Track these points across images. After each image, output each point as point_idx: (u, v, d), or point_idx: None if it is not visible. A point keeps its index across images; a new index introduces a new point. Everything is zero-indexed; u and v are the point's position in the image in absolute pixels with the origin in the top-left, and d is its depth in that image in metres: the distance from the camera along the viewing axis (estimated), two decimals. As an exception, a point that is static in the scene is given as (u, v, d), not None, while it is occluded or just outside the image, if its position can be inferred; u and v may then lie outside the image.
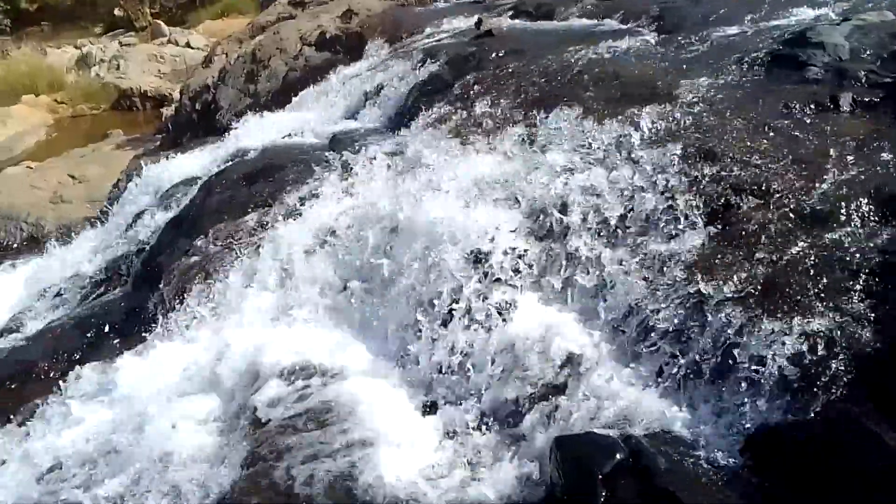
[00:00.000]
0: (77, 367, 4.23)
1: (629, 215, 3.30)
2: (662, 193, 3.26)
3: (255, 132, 6.20)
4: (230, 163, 5.64)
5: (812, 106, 3.57)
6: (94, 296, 5.19)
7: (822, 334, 2.41)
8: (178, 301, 4.34)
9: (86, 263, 5.62)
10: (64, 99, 15.74)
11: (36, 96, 15.54)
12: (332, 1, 9.78)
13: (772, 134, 3.38)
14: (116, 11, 22.44)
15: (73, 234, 6.60)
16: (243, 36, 10.72)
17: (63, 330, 4.75)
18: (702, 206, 3.12)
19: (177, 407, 3.49)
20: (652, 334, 2.84)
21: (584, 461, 2.37)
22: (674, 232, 3.12)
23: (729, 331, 2.60)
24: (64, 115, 15.18)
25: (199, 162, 6.23)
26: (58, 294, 5.41)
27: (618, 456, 2.33)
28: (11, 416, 4.06)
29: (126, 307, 4.74)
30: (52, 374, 4.32)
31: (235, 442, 3.20)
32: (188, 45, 17.86)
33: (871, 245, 2.64)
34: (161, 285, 4.55)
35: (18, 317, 5.28)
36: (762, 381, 2.42)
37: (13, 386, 4.32)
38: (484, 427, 3.02)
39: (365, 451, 2.97)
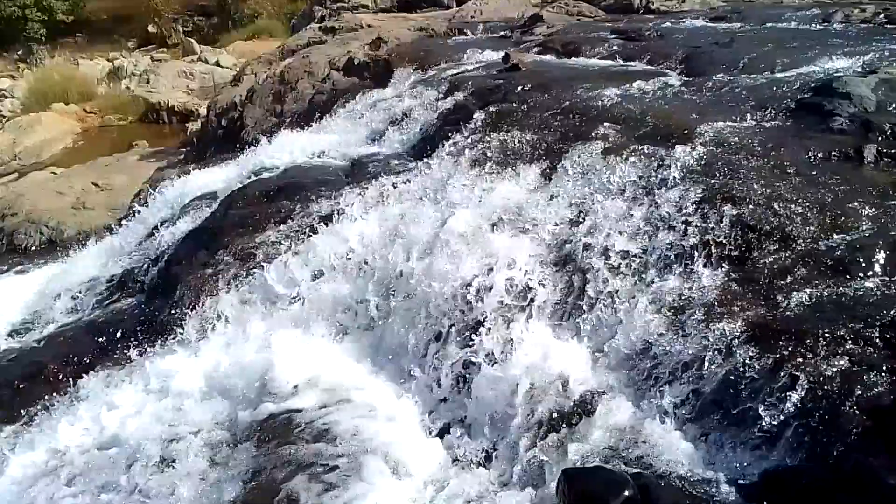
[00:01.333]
0: (88, 371, 4.26)
1: (648, 253, 3.29)
2: (682, 233, 3.26)
3: (279, 151, 6.27)
4: (252, 179, 5.70)
5: (836, 155, 3.57)
6: (108, 302, 5.22)
7: (837, 382, 2.38)
8: (192, 311, 4.37)
9: (103, 270, 5.67)
10: (93, 109, 16.05)
11: (66, 105, 15.85)
12: (363, 29, 9.96)
13: (795, 180, 3.38)
14: (150, 28, 22.96)
15: (92, 240, 6.66)
16: (273, 58, 10.91)
17: (76, 334, 4.78)
18: (721, 247, 3.12)
19: (184, 415, 3.49)
20: (665, 372, 2.82)
21: (592, 496, 2.34)
22: (692, 272, 3.11)
23: (743, 373, 2.58)
24: (92, 125, 15.46)
25: (221, 177, 6.30)
26: (72, 299, 5.45)
27: (626, 493, 2.30)
28: (18, 416, 4.08)
29: (140, 315, 4.77)
30: (61, 377, 4.34)
31: (240, 454, 3.20)
32: (218, 63, 18.21)
33: (890, 295, 2.62)
34: (177, 295, 4.58)
35: (33, 319, 5.32)
36: (775, 424, 2.39)
37: (22, 386, 4.34)
38: (491, 456, 3.00)
39: (369, 473, 2.96)
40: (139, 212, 6.56)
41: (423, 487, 2.96)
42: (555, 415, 2.90)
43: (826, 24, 6.45)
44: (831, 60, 4.78)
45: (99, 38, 22.86)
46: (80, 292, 5.50)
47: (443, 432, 3.29)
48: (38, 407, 4.07)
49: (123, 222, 6.75)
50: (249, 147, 7.02)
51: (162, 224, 5.89)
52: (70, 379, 4.25)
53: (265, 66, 10.58)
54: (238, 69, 12.85)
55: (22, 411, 4.14)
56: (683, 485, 2.37)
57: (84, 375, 4.24)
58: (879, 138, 3.65)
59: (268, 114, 8.55)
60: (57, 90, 16.32)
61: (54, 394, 4.13)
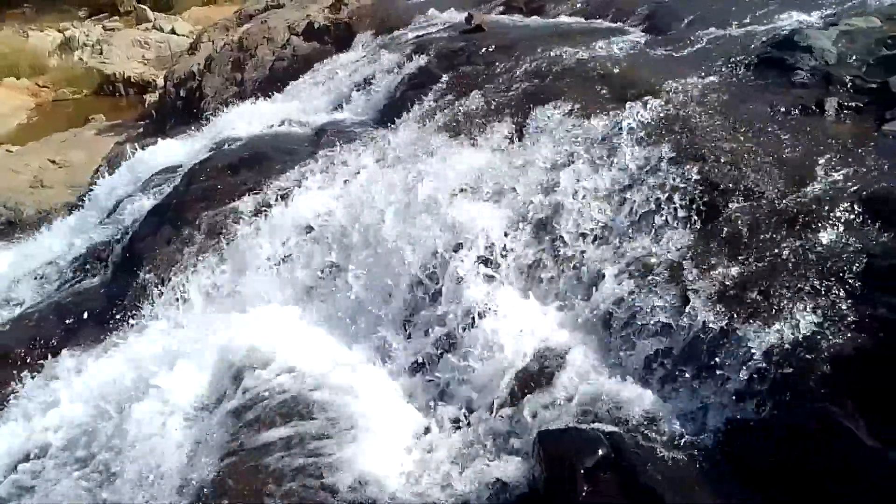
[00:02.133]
0: (55, 353, 4.19)
1: (614, 213, 3.30)
2: (648, 192, 3.27)
3: (241, 121, 6.15)
4: (214, 151, 5.58)
5: (798, 109, 3.60)
6: (72, 282, 5.12)
7: (803, 334, 2.44)
8: (159, 288, 4.30)
9: (66, 249, 5.55)
10: (46, 83, 15.52)
11: (17, 79, 15.30)
12: (322, -9, 9.71)
13: (758, 136, 3.40)
14: (101, -5, 22.11)
15: (52, 219, 6.50)
16: (230, 24, 10.63)
17: (41, 316, 4.69)
18: (687, 205, 3.14)
19: (157, 394, 3.45)
20: (635, 331, 2.85)
21: (566, 456, 2.38)
22: (658, 230, 3.14)
23: (711, 329, 2.63)
24: (46, 99, 14.96)
25: (183, 150, 6.18)
26: (36, 280, 5.33)
27: (600, 451, 2.35)
28: (-13, 401, 4.01)
29: (106, 294, 4.70)
30: (29, 360, 4.27)
31: (218, 429, 3.18)
32: (173, 31, 17.66)
33: (855, 247, 2.67)
34: (142, 273, 4.50)
35: (-4, 302, 5.21)
36: (744, 379, 2.44)
37: (-11, 371, 4.25)
38: (466, 422, 3.02)
39: (347, 441, 2.98)
40: (100, 188, 6.40)
41: (402, 454, 2.98)
42: (527, 377, 2.93)
43: (787, -24, 6.44)
44: (792, 14, 4.78)
45: (48, 7, 21.94)
46: (44, 273, 5.39)
47: (419, 399, 3.30)
48: (7, 391, 4.00)
49: (84, 200, 6.60)
50: (210, 118, 6.87)
51: (124, 200, 5.76)
52: (39, 361, 4.17)
53: (223, 32, 10.31)
54: (195, 37, 12.50)
55: (-9, 396, 4.07)
56: (655, 441, 2.43)
57: (52, 357, 4.17)
58: (840, 91, 3.68)
59: (227, 83, 8.36)
60: (7, 64, 15.71)
61: (23, 377, 4.06)
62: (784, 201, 3.00)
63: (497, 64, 5.02)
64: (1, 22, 19.95)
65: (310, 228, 4.23)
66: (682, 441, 2.43)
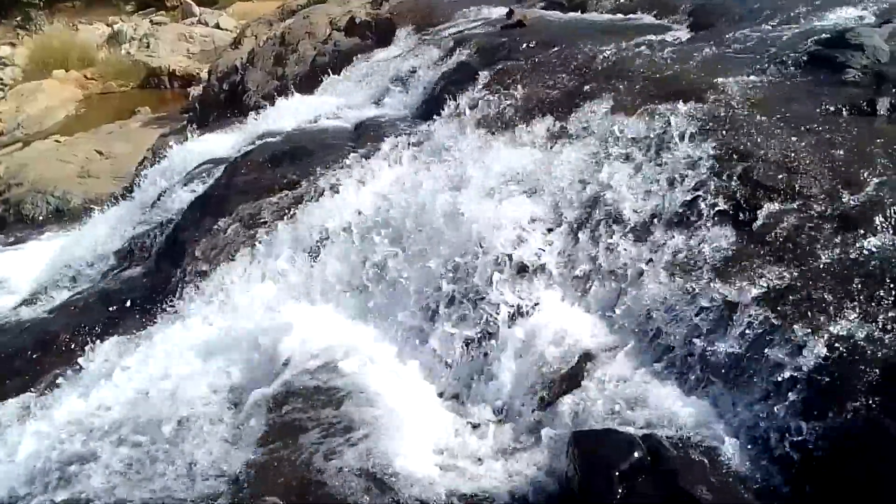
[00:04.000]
0: (98, 339, 4.29)
1: (657, 213, 3.25)
2: (692, 192, 3.21)
3: (282, 115, 6.21)
4: (256, 144, 5.65)
5: (848, 109, 3.50)
6: (117, 271, 5.24)
7: (850, 341, 2.37)
8: (200, 278, 4.37)
9: (111, 238, 5.68)
10: (94, 75, 15.89)
11: (66, 72, 15.70)
12: (363, -14, 9.75)
13: (806, 135, 3.31)
14: (148, -10, 22.55)
15: (98, 209, 6.66)
16: (273, 19, 10.75)
17: (86, 303, 4.80)
18: (732, 206, 3.07)
19: (195, 383, 3.51)
20: (676, 334, 2.81)
21: (601, 458, 2.35)
22: (702, 231, 3.08)
23: (754, 334, 2.57)
24: (93, 92, 15.33)
25: (225, 142, 6.26)
26: (81, 268, 5.47)
27: (636, 454, 2.31)
28: (32, 385, 4.13)
29: (149, 283, 4.79)
30: (73, 346, 4.38)
31: (253, 420, 3.22)
32: (218, 26, 17.93)
33: (903, 253, 2.58)
34: (184, 263, 4.58)
35: (42, 289, 5.35)
36: (787, 385, 2.39)
37: (35, 356, 4.38)
38: (502, 419, 3.02)
39: (381, 435, 2.98)
40: (144, 179, 6.54)
41: (436, 449, 2.98)
42: (563, 377, 2.91)
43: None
44: (844, 11, 4.65)
45: (97, 2, 22.48)
46: (90, 261, 5.53)
47: (454, 395, 3.31)
48: (51, 377, 4.11)
49: (129, 190, 6.74)
50: (252, 111, 6.96)
51: (167, 191, 5.87)
52: (81, 348, 4.28)
53: (265, 27, 10.42)
54: (238, 31, 12.66)
55: (35, 381, 4.18)
56: (692, 445, 2.38)
57: (95, 344, 4.27)
58: (893, 90, 3.57)
59: (269, 77, 8.44)
60: (57, 57, 16.13)
61: (66, 363, 4.17)
62: (832, 203, 2.92)
63: (538, 60, 4.98)
64: (51, 16, 20.47)
65: (348, 223, 4.25)
66: (721, 445, 2.38)
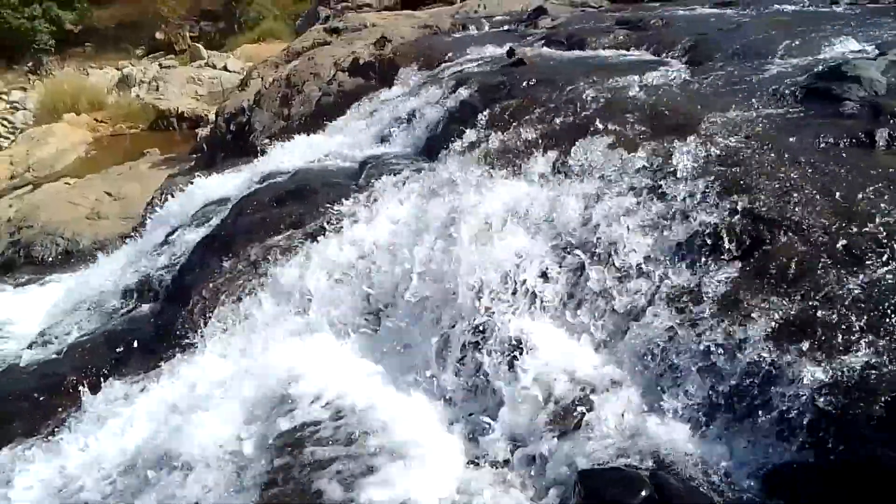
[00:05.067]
0: (105, 381, 4.30)
1: (659, 247, 3.27)
2: (693, 226, 3.23)
3: (288, 155, 6.29)
4: (262, 184, 5.72)
5: (847, 141, 3.52)
6: (124, 312, 5.26)
7: (854, 374, 2.35)
8: (207, 319, 4.39)
9: (119, 279, 5.71)
10: (104, 118, 16.17)
11: (77, 115, 15.98)
12: (367, 28, 9.94)
13: (806, 168, 3.34)
14: (158, 35, 23.05)
15: (107, 250, 6.72)
16: (279, 60, 10.92)
17: (93, 344, 4.82)
18: (733, 240, 3.08)
19: (203, 423, 3.51)
20: (678, 368, 2.80)
21: (608, 496, 2.34)
22: (703, 265, 3.09)
23: (759, 368, 2.56)
24: (104, 134, 15.58)
25: (231, 182, 6.33)
26: (89, 309, 5.50)
27: (643, 492, 2.29)
28: (39, 428, 4.13)
29: (155, 324, 4.81)
30: (80, 388, 4.37)
31: (259, 460, 3.21)
32: (225, 68, 18.27)
33: (908, 284, 2.58)
34: (190, 304, 4.61)
35: (50, 330, 5.37)
36: (793, 421, 2.37)
37: (41, 398, 4.38)
38: (508, 455, 2.99)
39: (389, 473, 2.97)
40: (152, 220, 6.60)
41: (444, 484, 2.96)
42: (568, 413, 2.89)
43: (834, 5, 6.37)
44: (840, 44, 4.72)
45: (107, 46, 22.98)
46: (98, 302, 5.56)
47: (462, 431, 3.29)
48: (58, 419, 4.11)
49: (137, 231, 6.80)
50: (258, 152, 7.05)
51: (175, 231, 5.93)
52: (88, 390, 4.28)
53: (271, 69, 10.60)
54: (245, 73, 12.88)
55: (42, 423, 4.18)
56: (699, 482, 2.36)
57: (102, 386, 4.27)
58: (891, 121, 3.60)
59: (275, 117, 8.57)
60: (68, 100, 16.45)
61: (73, 406, 4.17)
62: (834, 235, 2.92)
63: (538, 97, 5.04)
64: (62, 61, 20.91)
65: (354, 261, 4.28)
66: (729, 482, 2.36)
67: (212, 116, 12.76)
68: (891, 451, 2.14)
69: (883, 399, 2.27)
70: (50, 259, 8.11)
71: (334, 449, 3.16)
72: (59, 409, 4.20)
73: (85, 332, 5.14)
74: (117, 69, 19.89)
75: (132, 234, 6.88)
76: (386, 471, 2.98)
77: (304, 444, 3.23)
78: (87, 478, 3.46)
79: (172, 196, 6.74)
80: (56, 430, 4.05)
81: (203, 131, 12.71)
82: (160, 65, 19.79)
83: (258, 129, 8.53)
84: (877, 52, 4.38)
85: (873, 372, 2.35)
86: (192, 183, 6.88)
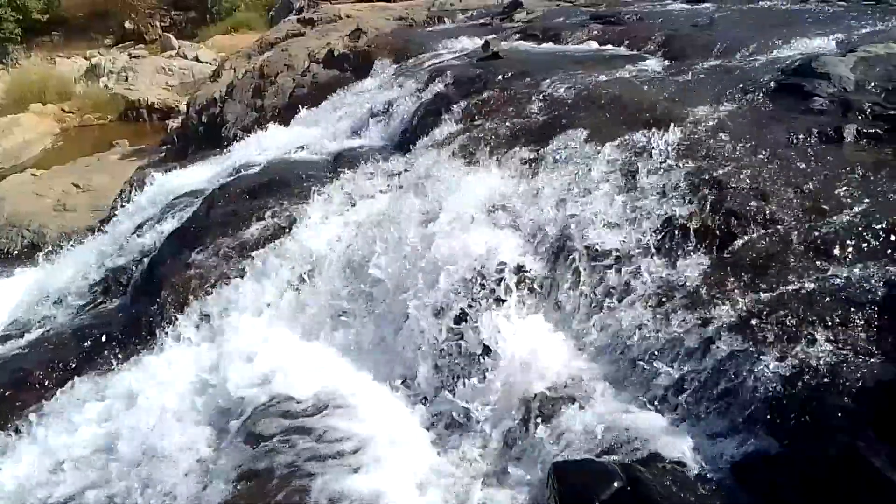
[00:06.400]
0: (73, 376, 4.22)
1: (632, 240, 3.28)
2: (665, 219, 3.26)
3: (261, 147, 6.22)
4: (234, 176, 5.65)
5: (817, 136, 3.57)
6: (92, 305, 5.17)
7: (823, 365, 2.39)
8: (178, 312, 4.33)
9: (87, 272, 5.61)
10: (72, 108, 15.86)
11: (44, 105, 15.65)
12: (341, 20, 9.88)
13: (776, 163, 3.38)
14: (127, 24, 22.67)
15: (74, 243, 6.59)
16: (252, 51, 10.81)
17: (60, 339, 4.73)
18: (704, 233, 3.12)
19: (172, 418, 3.46)
20: (650, 360, 2.82)
21: (582, 489, 2.34)
22: (675, 258, 3.11)
23: (729, 359, 2.59)
24: (71, 125, 15.28)
25: (203, 174, 6.25)
26: (56, 303, 5.39)
27: (615, 484, 2.31)
28: (5, 424, 4.04)
29: (125, 318, 4.73)
30: (47, 383, 4.30)
31: (232, 454, 3.18)
32: (197, 58, 18.01)
33: (875, 277, 2.63)
34: (161, 297, 4.54)
35: (16, 325, 5.26)
36: (761, 410, 2.40)
37: (8, 394, 4.29)
38: (482, 449, 3.00)
39: (361, 468, 2.96)
40: (121, 212, 6.49)
41: (415, 480, 2.96)
42: (541, 407, 2.91)
43: (804, 2, 6.45)
44: (810, 40, 4.77)
45: (75, 35, 22.52)
46: (65, 296, 5.45)
47: (434, 426, 3.29)
48: (25, 414, 4.03)
49: (106, 224, 6.68)
50: (231, 143, 6.96)
51: (145, 224, 5.83)
52: (56, 385, 4.20)
53: (244, 60, 10.48)
54: (217, 64, 12.72)
55: (9, 418, 4.09)
56: (671, 473, 2.38)
57: (71, 380, 4.19)
58: (859, 117, 3.65)
59: (248, 109, 8.48)
60: (34, 90, 16.10)
61: (41, 400, 4.09)
62: (803, 229, 2.97)
63: (513, 90, 5.05)
64: (29, 50, 20.44)
65: (326, 254, 4.25)
66: (700, 473, 2.38)
67: (183, 107, 12.60)
68: (858, 441, 2.18)
69: (850, 390, 2.30)
70: (15, 252, 7.94)
71: (305, 447, 3.14)
72: (27, 404, 4.12)
73: (52, 327, 5.04)
74: (86, 59, 19.51)
75: (101, 226, 6.75)
76: (357, 470, 2.96)
77: (275, 442, 3.20)
78: (57, 472, 3.39)
79: (142, 188, 6.62)
80: (23, 425, 3.97)
81: (174, 123, 12.55)
82: (130, 55, 19.45)
83: (230, 121, 8.43)
84: (846, 48, 4.44)
85: (841, 363, 2.39)
86: (163, 174, 6.77)
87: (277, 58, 8.97)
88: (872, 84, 3.91)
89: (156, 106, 15.35)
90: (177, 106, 14.59)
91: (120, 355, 4.33)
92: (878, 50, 4.26)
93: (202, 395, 3.71)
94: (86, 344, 4.57)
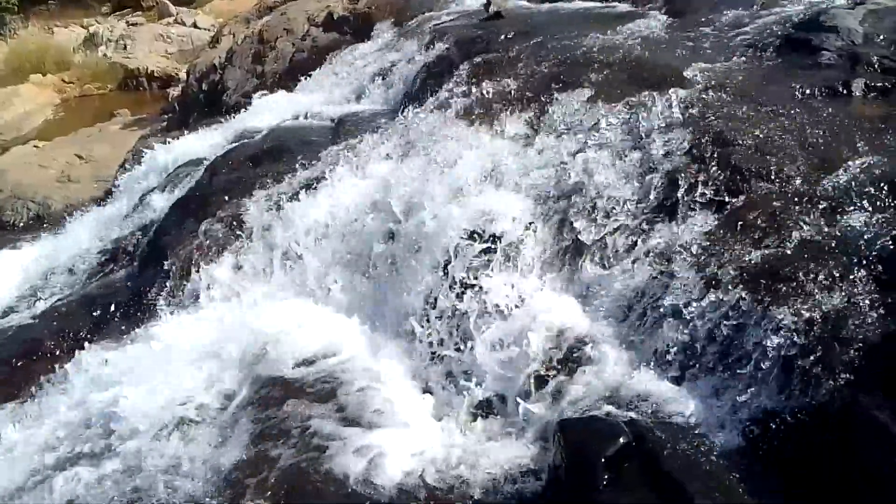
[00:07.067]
0: (83, 344, 4.26)
1: (638, 200, 3.27)
2: (671, 178, 3.23)
3: (262, 113, 6.18)
4: (236, 144, 5.62)
5: (824, 91, 3.53)
6: (100, 275, 5.19)
7: (828, 322, 2.39)
8: (184, 280, 4.35)
9: (93, 242, 5.63)
10: (71, 78, 15.69)
11: (43, 76, 15.49)
12: (340, -19, 9.70)
13: (783, 119, 3.34)
14: (124, -9, 22.32)
15: (79, 213, 6.60)
16: (250, 16, 10.66)
17: (69, 309, 4.76)
18: (712, 190, 3.10)
19: (182, 383, 3.49)
20: (656, 319, 2.83)
21: (587, 444, 2.37)
22: (682, 217, 3.10)
23: (734, 316, 2.59)
24: (71, 95, 15.14)
25: (205, 142, 6.22)
26: (64, 273, 5.42)
27: (621, 440, 2.33)
28: (17, 393, 4.09)
29: (132, 286, 4.75)
30: (57, 353, 4.34)
31: (239, 419, 3.22)
32: (195, 25, 17.76)
33: (882, 232, 2.61)
34: (167, 265, 4.55)
35: (25, 295, 5.30)
36: (767, 366, 2.41)
37: (19, 364, 4.33)
38: (487, 408, 3.03)
39: (366, 431, 3.00)
40: (125, 182, 6.48)
41: (423, 440, 2.99)
42: (548, 366, 2.92)
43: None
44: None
45: (72, 4, 22.21)
46: (73, 266, 5.47)
47: (442, 386, 3.31)
48: (37, 382, 4.08)
49: (110, 194, 6.68)
50: (232, 110, 6.92)
51: (149, 193, 5.83)
52: (66, 354, 4.25)
53: (243, 25, 10.34)
54: (216, 30, 12.57)
55: (22, 387, 4.15)
56: (677, 430, 2.41)
57: (80, 349, 4.23)
58: (868, 71, 3.61)
59: (248, 75, 8.39)
60: (33, 61, 15.91)
61: (51, 369, 4.14)
62: (810, 185, 2.95)
63: (516, 51, 4.97)
64: (26, 19, 20.20)
65: (332, 219, 4.24)
66: (705, 429, 2.41)
67: (183, 75, 12.46)
68: (862, 396, 2.19)
69: (856, 345, 2.31)
70: (21, 224, 7.93)
71: (311, 411, 3.17)
72: (38, 374, 4.16)
73: (60, 297, 5.07)
74: (83, 27, 19.26)
75: (105, 196, 6.75)
76: (362, 434, 2.99)
77: (281, 407, 3.22)
78: (70, 438, 3.44)
79: (145, 157, 6.60)
80: (36, 394, 4.02)
81: (174, 91, 12.42)
82: (127, 22, 19.18)
83: (231, 87, 8.35)
84: (854, 1, 4.36)
85: (844, 319, 2.38)
86: (165, 143, 6.74)
87: (276, 22, 8.84)
88: (882, 37, 3.85)
89: (155, 74, 15.16)
90: (176, 74, 14.42)
91: (128, 323, 4.36)
92: (887, 2, 4.19)
93: (210, 361, 3.71)
94: (94, 313, 4.60)
